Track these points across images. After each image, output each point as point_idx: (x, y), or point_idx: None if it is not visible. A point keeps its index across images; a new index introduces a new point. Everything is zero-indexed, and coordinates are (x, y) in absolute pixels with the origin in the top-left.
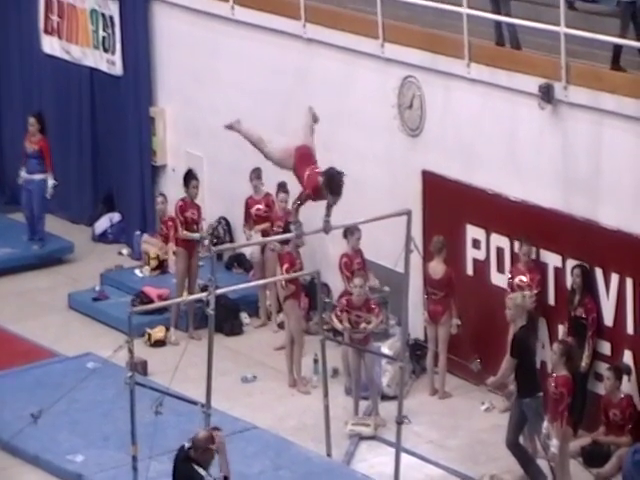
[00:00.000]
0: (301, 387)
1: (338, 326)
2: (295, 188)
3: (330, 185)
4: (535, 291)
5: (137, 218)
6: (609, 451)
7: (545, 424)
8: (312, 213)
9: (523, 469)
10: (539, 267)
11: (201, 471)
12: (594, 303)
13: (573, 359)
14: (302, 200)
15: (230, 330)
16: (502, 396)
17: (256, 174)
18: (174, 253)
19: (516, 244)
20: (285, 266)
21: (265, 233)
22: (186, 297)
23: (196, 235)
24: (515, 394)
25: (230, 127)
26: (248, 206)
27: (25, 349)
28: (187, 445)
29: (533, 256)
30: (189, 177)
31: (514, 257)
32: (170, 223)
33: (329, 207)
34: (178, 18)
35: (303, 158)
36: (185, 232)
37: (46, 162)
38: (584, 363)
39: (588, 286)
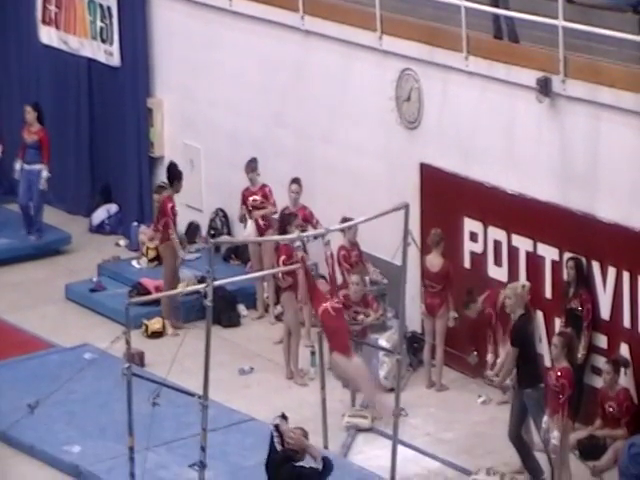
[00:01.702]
0: (298, 379)
1: None
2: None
3: None
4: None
5: (134, 209)
6: (605, 444)
7: (545, 418)
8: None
9: (522, 462)
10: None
11: (306, 465)
12: (589, 295)
13: (573, 350)
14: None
15: (228, 322)
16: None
17: (252, 166)
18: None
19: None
20: (282, 258)
21: (265, 218)
22: (184, 288)
23: (181, 253)
24: (515, 385)
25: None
26: (244, 198)
27: (22, 340)
28: (280, 448)
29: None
30: (179, 174)
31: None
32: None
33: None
34: (176, 9)
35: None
36: (174, 238)
37: (43, 153)
38: (580, 355)
39: (582, 278)
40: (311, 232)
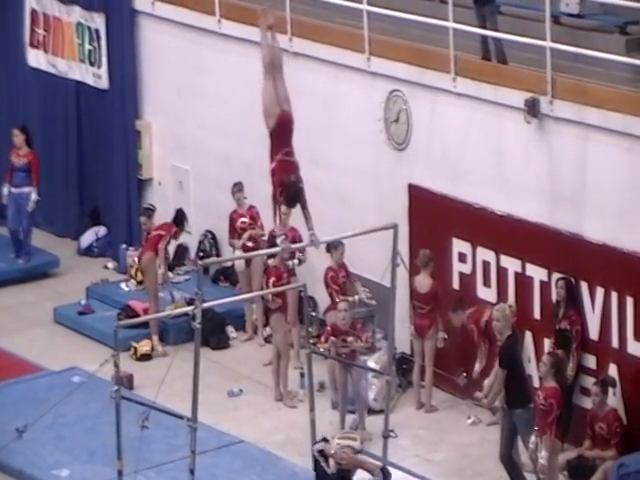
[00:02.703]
0: (287, 401)
1: (324, 346)
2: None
3: (286, 196)
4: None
5: (123, 232)
6: (594, 465)
7: (532, 438)
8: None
9: None
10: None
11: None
12: (578, 316)
13: (562, 371)
14: (277, 201)
15: (217, 344)
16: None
17: (238, 187)
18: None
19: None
20: (272, 280)
21: (254, 241)
22: (172, 311)
23: (161, 270)
24: (504, 406)
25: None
26: (233, 220)
27: (10, 363)
28: (331, 470)
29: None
30: (183, 221)
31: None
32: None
33: (307, 219)
34: (165, 31)
35: (282, 131)
36: (162, 248)
37: (33, 176)
38: (569, 376)
39: (572, 299)
40: (300, 244)
